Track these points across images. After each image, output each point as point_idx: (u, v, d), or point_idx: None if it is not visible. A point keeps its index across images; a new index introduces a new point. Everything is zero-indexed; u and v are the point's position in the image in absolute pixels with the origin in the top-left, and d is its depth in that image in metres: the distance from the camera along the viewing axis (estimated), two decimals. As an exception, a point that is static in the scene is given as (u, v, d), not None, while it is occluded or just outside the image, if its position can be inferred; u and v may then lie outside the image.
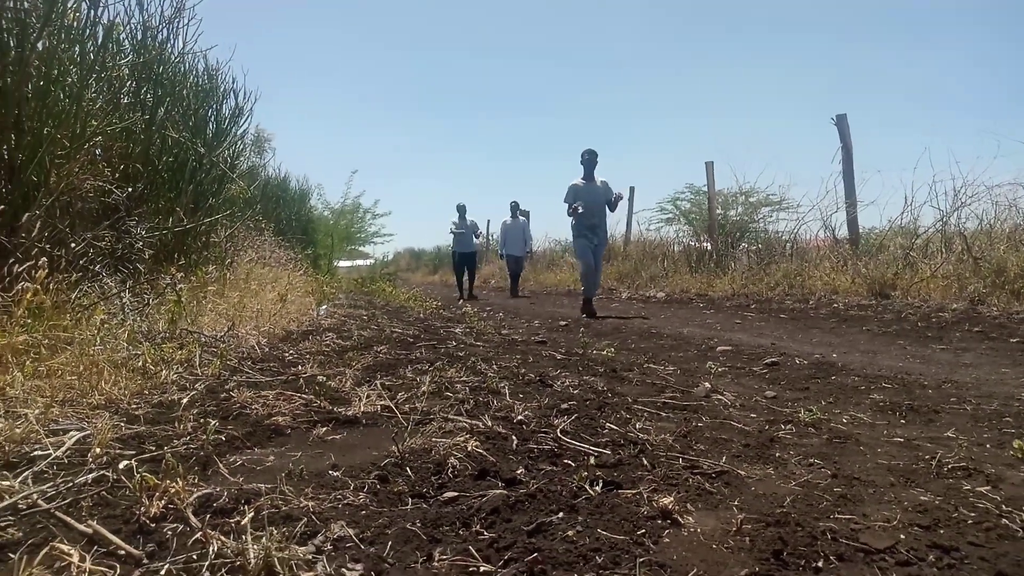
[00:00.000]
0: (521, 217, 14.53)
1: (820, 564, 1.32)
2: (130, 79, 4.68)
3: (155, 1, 4.96)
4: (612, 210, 8.70)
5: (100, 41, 4.13)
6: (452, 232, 14.00)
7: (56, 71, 3.60)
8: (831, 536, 1.44)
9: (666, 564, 1.27)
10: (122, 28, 4.64)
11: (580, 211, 8.14)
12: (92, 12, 3.99)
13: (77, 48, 3.93)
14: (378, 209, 19.88)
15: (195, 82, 5.67)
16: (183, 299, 3.57)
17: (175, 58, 5.28)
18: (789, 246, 10.61)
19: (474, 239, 14.30)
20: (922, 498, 1.74)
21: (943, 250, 8.13)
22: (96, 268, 3.50)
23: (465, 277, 14.31)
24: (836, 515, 1.59)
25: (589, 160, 8.43)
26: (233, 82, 6.10)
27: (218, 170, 5.68)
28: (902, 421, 2.68)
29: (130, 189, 4.55)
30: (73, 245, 3.37)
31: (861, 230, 9.74)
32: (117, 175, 4.52)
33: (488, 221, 26.65)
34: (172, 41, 5.12)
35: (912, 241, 8.58)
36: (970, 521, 1.58)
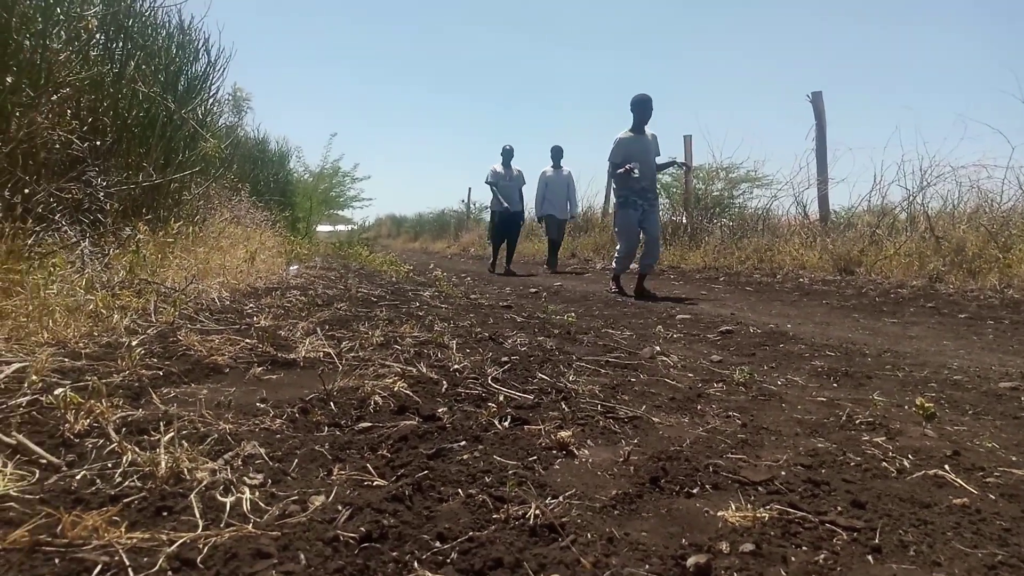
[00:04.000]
0: (565, 168, 11.20)
1: (695, 491, 1.44)
2: (99, 31, 4.68)
3: (125, -48, 4.95)
4: (657, 171, 7.17)
5: (66, -11, 4.14)
6: (489, 183, 10.78)
7: (15, 19, 3.60)
8: (713, 470, 1.56)
9: (547, 484, 1.38)
10: (91, -22, 4.63)
11: (636, 174, 6.67)
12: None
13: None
14: (357, 173, 19.77)
15: (167, 36, 5.66)
16: (143, 251, 3.63)
17: (147, 11, 5.27)
18: (761, 221, 10.75)
19: (521, 194, 11.04)
20: (819, 445, 1.86)
21: (907, 228, 8.29)
22: (57, 218, 3.55)
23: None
24: (729, 455, 1.71)
25: (642, 107, 6.85)
26: (207, 38, 6.09)
27: (189, 127, 5.69)
28: (833, 384, 2.80)
29: (98, 143, 4.57)
30: (28, 192, 3.40)
31: (833, 207, 9.89)
32: (85, 128, 4.54)
33: (469, 189, 26.70)
34: (143, -7, 5.11)
35: (879, 219, 8.73)
36: (852, 464, 1.70)
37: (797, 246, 9.22)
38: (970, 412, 2.36)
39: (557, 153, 11.16)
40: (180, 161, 5.56)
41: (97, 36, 4.73)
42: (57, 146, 4.15)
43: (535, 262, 14.24)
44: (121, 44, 4.96)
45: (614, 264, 7.20)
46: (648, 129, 6.99)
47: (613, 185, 7.25)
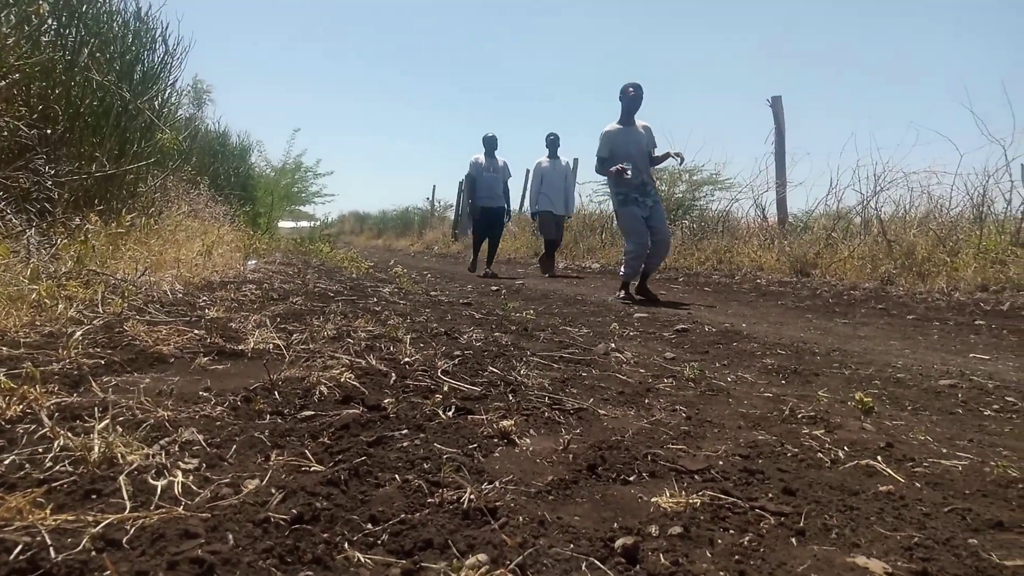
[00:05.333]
0: (563, 159, 10.11)
1: (631, 478, 1.46)
2: (51, 16, 4.58)
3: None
4: (652, 164, 6.66)
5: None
6: (470, 176, 9.84)
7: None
8: (652, 459, 1.59)
9: (485, 471, 1.40)
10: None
11: (628, 175, 6.21)
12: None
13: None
14: (320, 168, 19.50)
15: (123, 24, 5.55)
16: (92, 241, 3.56)
17: (101, -3, 5.17)
18: (721, 223, 10.92)
19: (503, 188, 9.93)
20: (759, 437, 1.90)
21: (861, 232, 8.51)
22: (2, 206, 3.46)
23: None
24: (669, 446, 1.74)
25: (633, 97, 6.43)
26: (166, 27, 5.98)
27: (145, 117, 5.58)
28: (782, 381, 2.86)
29: (48, 131, 4.47)
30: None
31: (791, 210, 10.09)
32: (35, 116, 4.43)
33: (434, 187, 26.65)
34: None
35: (835, 223, 8.93)
36: (789, 455, 1.74)
37: (755, 248, 9.40)
38: (909, 407, 2.44)
39: (554, 142, 10.03)
40: (135, 152, 5.46)
41: (49, 21, 4.63)
42: (4, 133, 4.05)
43: (498, 260, 13.85)
44: (74, 31, 4.86)
45: (623, 268, 6.55)
46: (639, 120, 6.56)
47: (609, 183, 6.71)
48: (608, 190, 14.94)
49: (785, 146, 9.71)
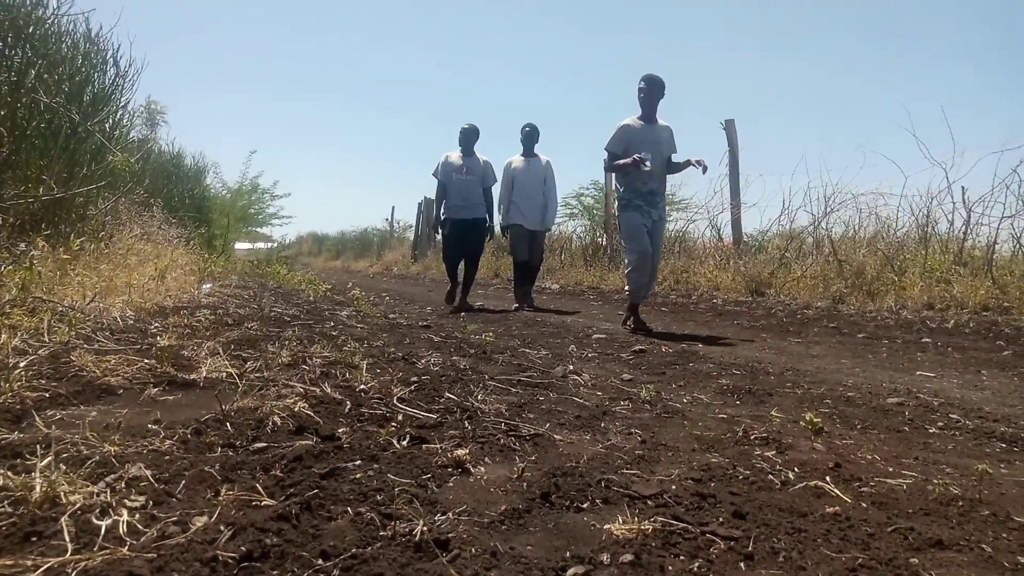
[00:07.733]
0: (541, 157, 7.85)
1: (585, 505, 1.48)
2: (-4, 38, 4.49)
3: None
4: (670, 171, 5.78)
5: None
6: (437, 176, 7.50)
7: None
8: (606, 485, 1.60)
9: (438, 501, 1.40)
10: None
11: (647, 166, 5.32)
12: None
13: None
14: (277, 190, 19.33)
15: (72, 46, 5.46)
16: (38, 266, 3.47)
17: (50, 19, 5.08)
18: (678, 244, 11.08)
19: (483, 196, 7.56)
20: (712, 460, 1.93)
21: (814, 252, 8.72)
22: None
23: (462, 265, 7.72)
24: (624, 471, 1.75)
25: (650, 90, 5.54)
26: (117, 48, 5.90)
27: (96, 139, 5.48)
28: (736, 402, 2.90)
29: (-7, 154, 4.36)
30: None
31: (745, 231, 10.29)
32: (-21, 139, 4.32)
33: (393, 208, 26.52)
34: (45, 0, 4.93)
35: (788, 243, 9.14)
36: (741, 478, 1.77)
37: (712, 268, 9.56)
38: (858, 426, 2.49)
39: (530, 136, 7.77)
40: (85, 175, 5.35)
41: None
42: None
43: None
44: (20, 52, 4.76)
45: (627, 285, 5.72)
46: (661, 120, 5.69)
47: (616, 181, 5.83)
48: (567, 210, 15.40)
49: (739, 167, 9.92)
